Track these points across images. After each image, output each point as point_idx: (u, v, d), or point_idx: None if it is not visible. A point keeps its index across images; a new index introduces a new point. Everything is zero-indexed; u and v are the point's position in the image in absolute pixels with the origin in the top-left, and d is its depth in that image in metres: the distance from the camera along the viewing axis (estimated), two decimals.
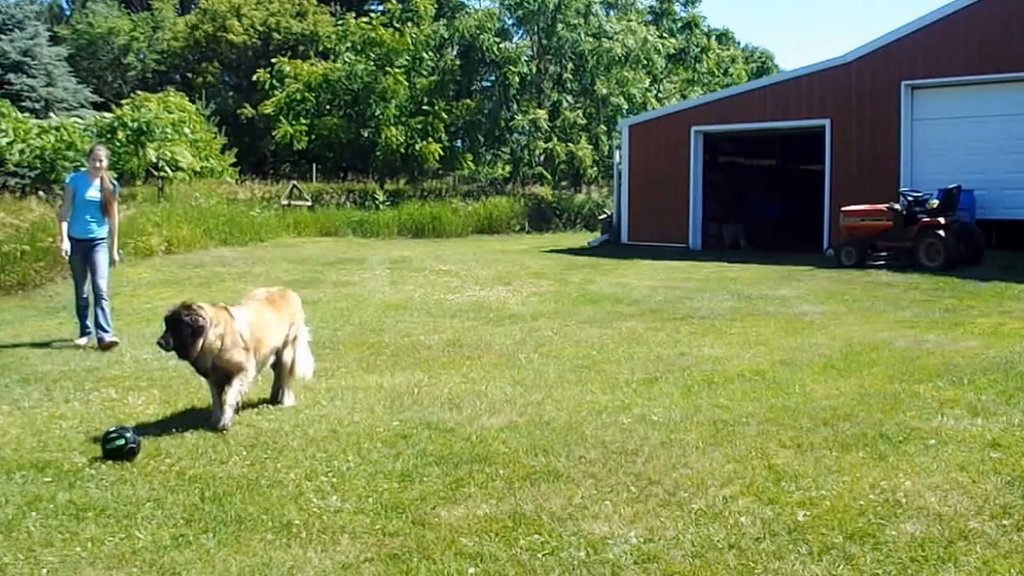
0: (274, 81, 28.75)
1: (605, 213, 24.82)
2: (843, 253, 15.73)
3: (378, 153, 27.71)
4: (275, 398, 6.35)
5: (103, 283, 8.63)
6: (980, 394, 6.23)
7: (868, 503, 4.24)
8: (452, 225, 24.82)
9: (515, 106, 30.23)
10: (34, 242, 12.73)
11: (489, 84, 31.55)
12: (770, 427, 5.53)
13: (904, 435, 5.29)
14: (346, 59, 27.90)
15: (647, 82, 31.33)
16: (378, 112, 27.48)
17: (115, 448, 5.02)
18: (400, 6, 29.94)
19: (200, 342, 5.62)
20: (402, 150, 27.75)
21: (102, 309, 8.53)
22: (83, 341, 8.62)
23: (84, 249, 8.63)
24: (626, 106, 29.80)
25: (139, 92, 24.48)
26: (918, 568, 3.59)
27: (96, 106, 29.53)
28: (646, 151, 21.24)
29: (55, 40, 33.75)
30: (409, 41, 28.23)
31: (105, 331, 8.50)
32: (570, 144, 29.47)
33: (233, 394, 5.77)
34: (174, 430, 5.64)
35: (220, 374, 5.80)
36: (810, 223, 19.21)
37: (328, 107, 28.38)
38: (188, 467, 4.92)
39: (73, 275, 8.98)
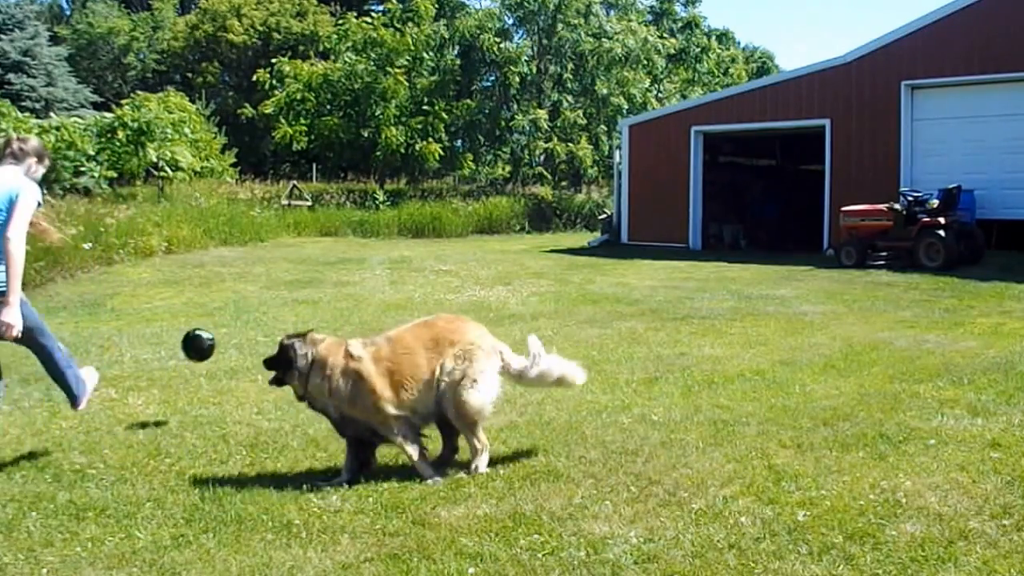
0: (274, 81, 28.75)
1: (605, 213, 24.81)
2: (843, 253, 15.72)
3: (378, 153, 27.70)
4: None
5: None
6: (980, 394, 6.23)
7: (868, 503, 4.23)
8: (452, 225, 24.81)
9: (515, 106, 30.24)
10: (34, 242, 12.65)
11: (489, 84, 31.55)
12: (770, 427, 5.53)
13: (904, 435, 5.28)
14: (346, 59, 27.89)
15: (647, 82, 31.32)
16: (378, 112, 27.47)
17: (194, 338, 5.89)
18: (400, 6, 29.93)
19: None
20: (402, 150, 27.74)
21: None
22: None
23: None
24: (626, 106, 29.80)
25: (139, 92, 24.50)
26: (918, 568, 3.59)
27: (96, 106, 29.59)
28: (646, 151, 21.23)
29: (55, 40, 33.82)
30: (409, 41, 28.22)
31: None
32: (570, 144, 29.47)
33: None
34: (174, 430, 5.64)
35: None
36: (810, 223, 19.20)
37: (328, 107, 28.36)
38: (188, 467, 4.92)
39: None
